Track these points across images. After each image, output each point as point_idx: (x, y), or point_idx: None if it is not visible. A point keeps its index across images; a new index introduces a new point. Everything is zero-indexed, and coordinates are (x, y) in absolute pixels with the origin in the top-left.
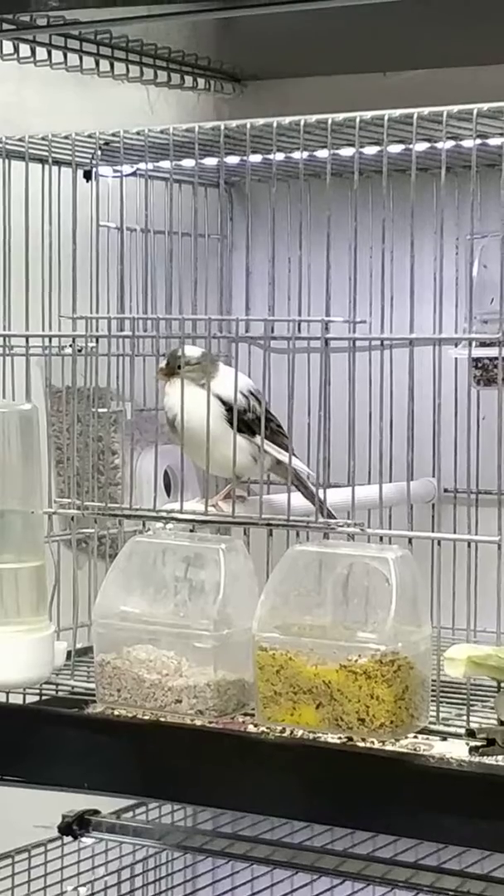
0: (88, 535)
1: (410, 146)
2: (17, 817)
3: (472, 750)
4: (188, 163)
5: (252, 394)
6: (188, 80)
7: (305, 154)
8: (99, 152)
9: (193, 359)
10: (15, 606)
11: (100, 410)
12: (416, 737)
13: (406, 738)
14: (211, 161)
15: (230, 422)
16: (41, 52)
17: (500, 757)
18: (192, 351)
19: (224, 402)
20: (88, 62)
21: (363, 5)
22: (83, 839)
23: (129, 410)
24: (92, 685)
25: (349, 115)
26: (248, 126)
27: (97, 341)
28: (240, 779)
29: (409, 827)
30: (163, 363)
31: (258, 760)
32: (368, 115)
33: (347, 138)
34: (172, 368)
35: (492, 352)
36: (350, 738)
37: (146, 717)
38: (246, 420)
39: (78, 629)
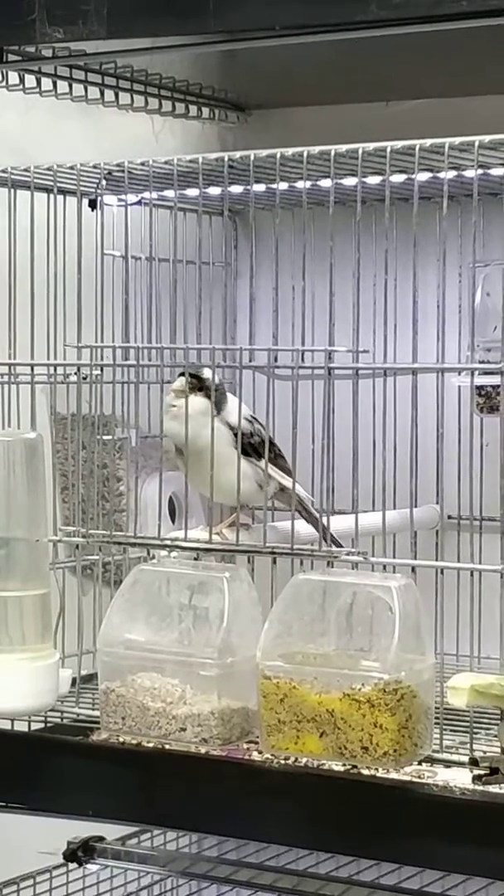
0: (93, 562)
1: (413, 176)
2: (23, 844)
3: (476, 778)
4: (192, 192)
5: (256, 419)
6: (192, 109)
7: (308, 184)
8: (104, 182)
9: (209, 382)
10: (20, 634)
11: (104, 438)
12: (420, 765)
13: (410, 766)
14: (215, 190)
15: (237, 446)
16: (46, 83)
17: (503, 785)
18: (209, 374)
19: (231, 428)
20: (93, 92)
21: (365, 37)
22: (88, 866)
23: (134, 437)
24: (96, 713)
25: (352, 146)
26: (252, 157)
27: (102, 369)
28: (244, 806)
29: (413, 855)
30: (181, 381)
31: (262, 788)
32: (371, 146)
33: (350, 168)
34: (194, 388)
35: (494, 380)
36: (354, 767)
37: (150, 745)
38: (253, 444)
39: (83, 656)
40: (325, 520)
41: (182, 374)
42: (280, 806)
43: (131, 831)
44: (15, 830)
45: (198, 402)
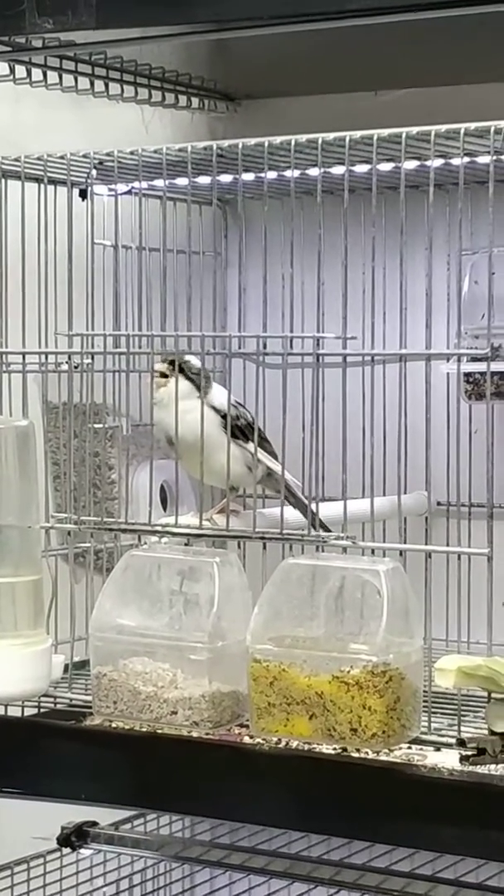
0: (85, 549)
1: (400, 164)
2: (16, 829)
3: (463, 759)
4: (182, 181)
5: (241, 405)
6: (182, 99)
7: (297, 172)
8: (94, 171)
9: (195, 367)
10: (12, 620)
11: (96, 426)
12: (409, 747)
13: (400, 748)
14: (205, 179)
15: (226, 429)
16: (37, 73)
17: (490, 766)
18: (193, 359)
19: (218, 411)
20: (83, 83)
21: (354, 26)
22: (82, 851)
23: (126, 426)
24: (89, 698)
25: (339, 134)
26: (240, 145)
27: (93, 358)
28: (235, 789)
29: (403, 836)
30: (162, 365)
31: (253, 771)
32: (358, 134)
33: (338, 157)
34: (173, 372)
35: (483, 366)
36: (345, 749)
37: (143, 730)
38: (240, 426)
39: (76, 642)
40: (313, 505)
41: (164, 361)
42: (271, 788)
43: (125, 816)
44: (8, 815)
45: (182, 384)
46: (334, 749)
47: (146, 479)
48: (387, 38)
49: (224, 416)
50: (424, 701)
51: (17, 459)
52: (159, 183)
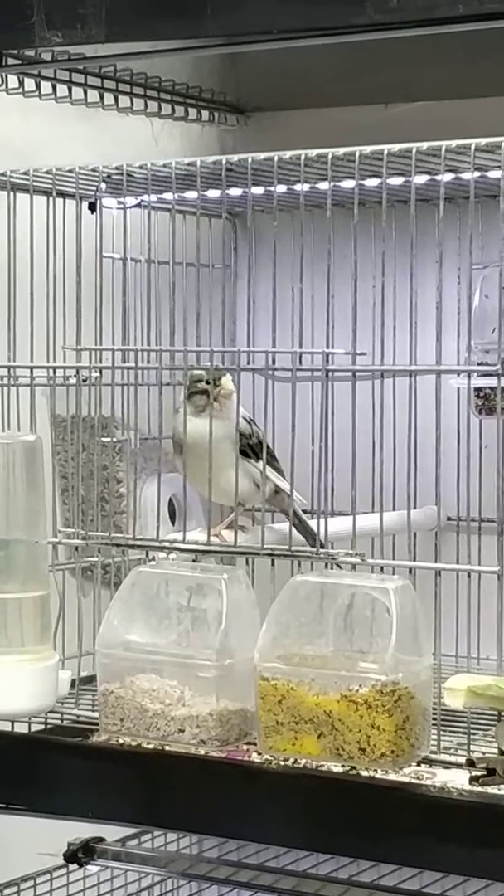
0: (93, 563)
1: (411, 178)
2: (23, 845)
3: (473, 779)
4: (191, 194)
5: (253, 421)
6: (192, 112)
7: (307, 186)
8: (103, 185)
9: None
10: (19, 636)
11: (104, 440)
12: (419, 766)
13: (409, 766)
14: (214, 193)
15: (237, 447)
16: (46, 86)
17: (501, 786)
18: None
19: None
20: (93, 95)
21: (365, 40)
22: (88, 867)
23: (135, 439)
24: (96, 714)
25: (349, 149)
26: (250, 160)
27: (101, 371)
28: (243, 807)
29: (411, 856)
30: (229, 379)
31: (261, 789)
32: (368, 149)
33: (348, 171)
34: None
35: (493, 381)
36: (353, 768)
37: (150, 747)
38: (251, 445)
39: (83, 658)
40: (322, 521)
41: (218, 375)
42: (279, 807)
43: (131, 832)
44: (15, 832)
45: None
46: (343, 768)
47: (154, 493)
48: (397, 51)
49: (241, 434)
50: (434, 719)
51: (24, 474)
52: (169, 196)
